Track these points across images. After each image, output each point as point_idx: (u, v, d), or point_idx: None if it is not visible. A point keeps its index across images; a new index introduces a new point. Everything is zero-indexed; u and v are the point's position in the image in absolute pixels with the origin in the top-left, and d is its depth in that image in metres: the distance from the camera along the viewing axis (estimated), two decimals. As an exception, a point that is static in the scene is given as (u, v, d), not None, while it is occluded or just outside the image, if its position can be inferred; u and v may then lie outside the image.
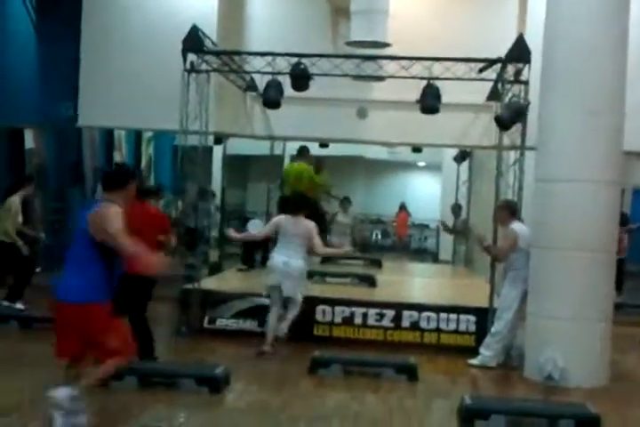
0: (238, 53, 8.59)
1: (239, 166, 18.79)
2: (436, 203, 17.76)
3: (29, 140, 11.79)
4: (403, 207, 20.10)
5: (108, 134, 14.38)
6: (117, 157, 15.13)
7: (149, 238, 5.44)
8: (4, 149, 11.07)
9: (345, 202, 13.45)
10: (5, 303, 8.41)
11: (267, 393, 5.86)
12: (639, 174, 16.90)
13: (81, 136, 13.07)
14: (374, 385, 6.15)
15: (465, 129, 9.86)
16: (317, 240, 7.03)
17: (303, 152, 10.54)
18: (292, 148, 17.12)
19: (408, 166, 22.38)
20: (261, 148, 14.29)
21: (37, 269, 9.58)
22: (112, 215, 4.24)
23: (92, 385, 4.41)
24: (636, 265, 13.94)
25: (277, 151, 14.09)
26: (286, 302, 7.10)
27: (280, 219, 7.24)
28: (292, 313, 7.09)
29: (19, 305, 8.42)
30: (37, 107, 11.16)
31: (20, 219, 8.60)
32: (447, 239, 15.39)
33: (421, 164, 22.04)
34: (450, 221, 13.68)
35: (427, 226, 20.39)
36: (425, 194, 21.10)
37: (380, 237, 20.78)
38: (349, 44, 8.62)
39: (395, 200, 20.70)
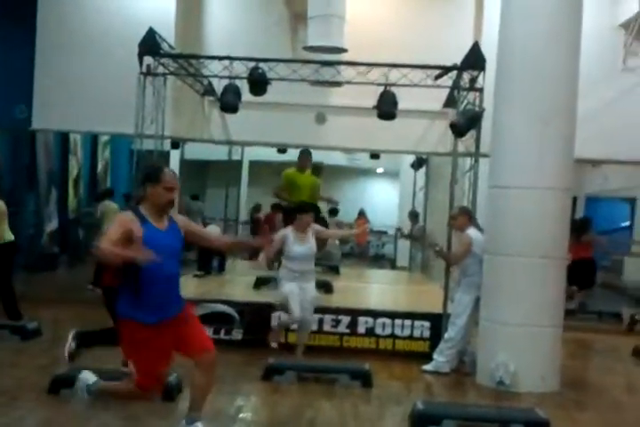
0: (195, 57, 8.54)
1: (197, 171, 18.70)
2: (394, 209, 17.88)
3: (-18, 142, 11.58)
4: (362, 214, 20.15)
5: (63, 138, 14.21)
6: (73, 161, 14.96)
7: None
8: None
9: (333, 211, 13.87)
10: None
11: (220, 400, 5.78)
12: (592, 182, 17.29)
13: (35, 139, 12.89)
14: (329, 392, 6.14)
15: (421, 135, 9.96)
16: None
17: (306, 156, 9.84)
18: (251, 153, 17.20)
19: (366, 173, 22.52)
20: (220, 153, 14.25)
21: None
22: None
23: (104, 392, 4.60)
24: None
25: (236, 157, 14.06)
26: None
27: None
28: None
29: None
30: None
31: None
32: (405, 246, 15.50)
33: (380, 170, 22.20)
34: (407, 228, 13.77)
35: (385, 232, 20.47)
36: (383, 200, 21.24)
37: (338, 243, 20.75)
38: (306, 48, 8.64)
39: (353, 207, 20.77)
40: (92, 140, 15.93)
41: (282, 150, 13.18)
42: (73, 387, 5.25)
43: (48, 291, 10.36)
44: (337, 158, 19.73)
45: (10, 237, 8.09)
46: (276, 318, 7.59)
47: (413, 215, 13.29)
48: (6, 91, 10.71)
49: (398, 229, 13.69)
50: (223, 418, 5.32)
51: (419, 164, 13.53)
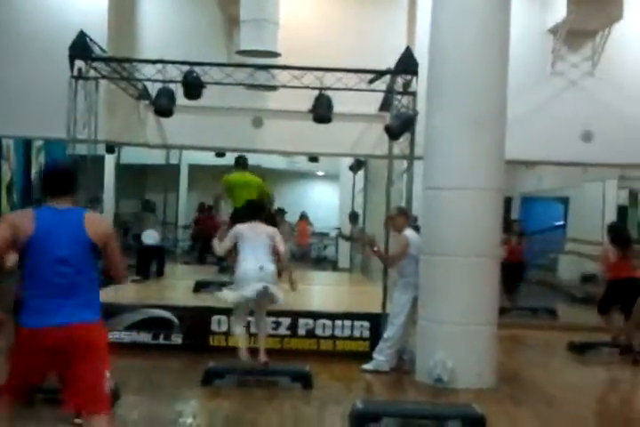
0: (127, 61, 8.45)
1: (135, 176, 18.48)
2: (335, 211, 17.96)
3: None
4: (303, 217, 20.20)
5: (-6, 143, 13.86)
6: (5, 167, 14.60)
7: None
8: None
9: (280, 213, 13.41)
10: None
11: (159, 406, 5.76)
12: (527, 182, 17.71)
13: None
14: (269, 394, 6.15)
15: (358, 138, 10.06)
16: (283, 249, 6.72)
17: (244, 162, 9.73)
18: (189, 157, 17.09)
19: (307, 176, 22.59)
20: (158, 157, 14.14)
21: None
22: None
23: None
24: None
25: (174, 161, 13.97)
26: (258, 313, 6.86)
27: (237, 228, 6.74)
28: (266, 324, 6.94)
29: None
30: None
31: None
32: (346, 247, 15.60)
33: (320, 173, 22.29)
34: (348, 230, 13.87)
35: (326, 234, 20.56)
36: (324, 203, 21.30)
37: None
38: (239, 53, 8.64)
39: (294, 209, 20.77)
40: (26, 144, 15.55)
41: (220, 154, 13.15)
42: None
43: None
44: (276, 162, 19.73)
45: None
46: (216, 321, 7.57)
47: (353, 217, 13.40)
48: None
49: (338, 229, 13.70)
50: (161, 424, 5.28)
51: (357, 166, 13.66)
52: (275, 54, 8.52)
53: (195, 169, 19.67)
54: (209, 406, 5.88)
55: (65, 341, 3.52)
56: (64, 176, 3.70)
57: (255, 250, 6.59)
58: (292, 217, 20.56)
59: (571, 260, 15.83)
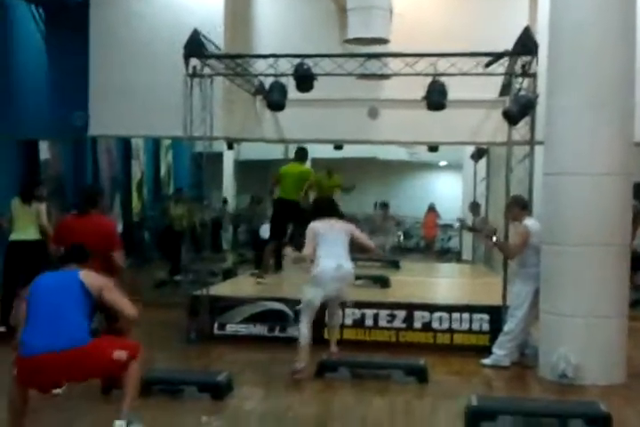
0: (239, 56, 8.51)
1: (255, 171, 18.78)
2: (459, 202, 17.57)
3: (44, 151, 11.83)
4: (432, 208, 19.92)
5: (125, 143, 14.46)
6: (135, 166, 15.22)
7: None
8: (20, 161, 11.09)
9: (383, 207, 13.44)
10: None
11: (271, 398, 5.78)
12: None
13: (96, 145, 13.15)
14: (382, 388, 6.04)
15: (478, 125, 9.68)
16: (367, 241, 6.75)
17: (302, 154, 10.11)
18: (310, 151, 17.16)
19: (429, 166, 22.22)
20: (278, 152, 14.30)
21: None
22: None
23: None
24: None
25: (293, 155, 14.06)
26: (332, 306, 6.75)
27: (313, 227, 6.46)
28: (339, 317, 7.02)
29: None
30: (50, 118, 11.21)
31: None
32: (469, 239, 15.22)
33: (442, 163, 21.87)
34: (470, 220, 13.49)
35: (450, 226, 20.17)
36: (448, 194, 20.90)
37: (402, 238, 20.55)
38: (347, 41, 8.50)
39: (417, 201, 20.52)
40: (155, 144, 16.15)
41: (338, 147, 13.12)
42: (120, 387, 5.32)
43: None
44: (397, 153, 19.51)
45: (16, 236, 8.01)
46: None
47: (474, 207, 13.00)
48: (64, 99, 10.99)
49: (460, 220, 13.29)
50: (273, 415, 5.29)
51: (479, 155, 13.26)
52: (383, 41, 8.30)
53: (315, 162, 19.81)
54: (320, 399, 5.83)
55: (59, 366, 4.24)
56: (71, 254, 4.85)
57: (333, 247, 6.41)
58: (417, 209, 20.33)
59: None
